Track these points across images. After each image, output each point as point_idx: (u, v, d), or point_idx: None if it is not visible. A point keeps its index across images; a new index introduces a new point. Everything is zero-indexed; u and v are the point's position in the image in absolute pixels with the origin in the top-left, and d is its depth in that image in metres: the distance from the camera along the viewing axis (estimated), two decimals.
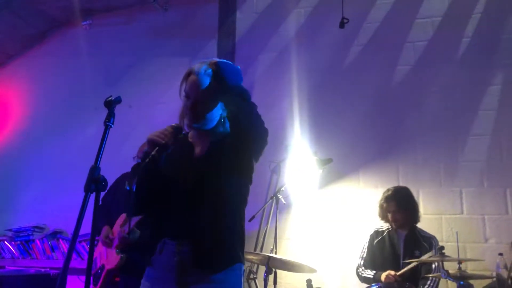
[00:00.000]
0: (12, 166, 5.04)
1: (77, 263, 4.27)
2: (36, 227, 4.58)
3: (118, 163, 3.39)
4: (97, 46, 5.11)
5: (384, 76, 4.18)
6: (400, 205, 3.30)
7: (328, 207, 4.01)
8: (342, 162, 3.97)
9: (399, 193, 3.36)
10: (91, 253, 1.52)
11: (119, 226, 3.12)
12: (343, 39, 4.29)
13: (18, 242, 4.53)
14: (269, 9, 4.64)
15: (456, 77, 4.02)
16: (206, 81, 1.74)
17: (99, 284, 3.05)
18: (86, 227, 4.38)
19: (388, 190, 3.42)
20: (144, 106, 4.76)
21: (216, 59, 1.85)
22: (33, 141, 5.05)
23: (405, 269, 3.03)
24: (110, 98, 1.63)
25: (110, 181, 3.52)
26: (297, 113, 4.14)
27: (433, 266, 3.13)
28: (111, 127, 1.60)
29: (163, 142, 1.69)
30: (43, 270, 3.85)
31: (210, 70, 1.77)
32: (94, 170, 1.44)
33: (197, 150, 1.84)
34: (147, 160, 1.65)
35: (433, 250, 3.17)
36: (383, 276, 3.06)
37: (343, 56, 4.29)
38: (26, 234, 4.53)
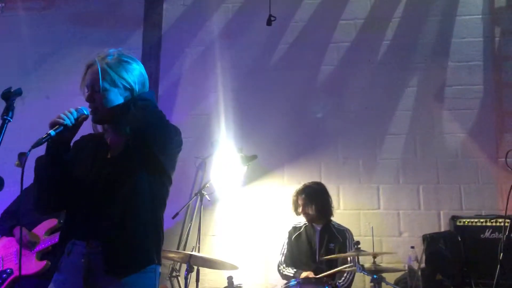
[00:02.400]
0: None
1: None
2: None
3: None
4: (9, 32, 4.75)
5: (308, 75, 4.27)
6: (309, 199, 3.41)
7: (253, 203, 4.04)
8: (267, 158, 4.01)
9: (309, 188, 3.47)
10: None
11: (43, 232, 2.93)
12: (270, 37, 4.32)
13: None
14: (197, 2, 4.57)
15: (375, 78, 4.19)
16: (105, 71, 1.69)
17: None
18: None
19: (301, 186, 3.52)
20: (62, 98, 4.50)
21: (119, 53, 1.78)
22: None
23: (324, 274, 3.09)
24: (9, 90, 1.49)
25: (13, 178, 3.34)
26: (223, 110, 4.12)
27: (349, 259, 3.25)
28: (9, 121, 1.47)
29: (63, 122, 1.62)
30: None
31: (110, 59, 1.73)
32: None
33: (112, 150, 1.77)
34: (44, 139, 1.57)
35: (347, 243, 3.30)
36: (303, 275, 3.13)
37: (270, 54, 4.33)
38: None
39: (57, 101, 4.49)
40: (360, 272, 2.78)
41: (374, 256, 2.92)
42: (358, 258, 2.81)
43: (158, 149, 1.66)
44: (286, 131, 4.13)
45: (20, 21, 4.75)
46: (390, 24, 4.28)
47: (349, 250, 3.23)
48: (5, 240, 3.11)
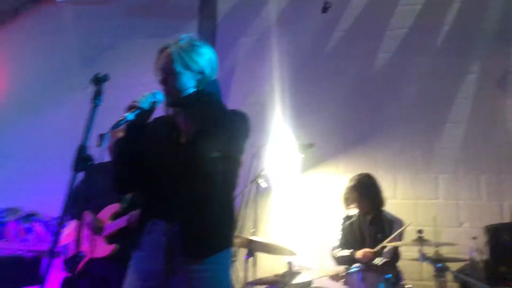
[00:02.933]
0: None
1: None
2: (9, 209, 4.46)
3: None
4: (72, 25, 4.95)
5: (365, 63, 4.21)
6: (362, 194, 3.37)
7: (307, 192, 4.05)
8: (322, 147, 3.99)
9: (359, 183, 3.42)
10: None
11: (108, 217, 3.05)
12: (325, 24, 4.29)
13: None
14: None
15: (434, 65, 4.08)
16: (178, 55, 1.74)
17: (76, 271, 2.99)
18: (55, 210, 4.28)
19: (350, 180, 3.48)
20: (121, 88, 4.65)
21: (191, 38, 1.83)
22: (6, 121, 4.89)
23: (379, 246, 3.10)
24: (99, 75, 1.57)
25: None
26: (278, 98, 4.14)
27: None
28: (99, 105, 1.55)
29: (139, 105, 1.68)
30: (19, 252, 3.77)
31: (182, 43, 1.77)
32: (82, 149, 1.40)
33: (184, 134, 1.81)
34: (122, 122, 1.64)
35: (391, 233, 3.25)
36: (360, 253, 3.14)
37: (325, 41, 4.30)
38: None
39: (116, 91, 4.64)
40: (422, 261, 2.74)
41: (437, 246, 2.87)
42: (420, 247, 2.77)
43: (224, 144, 1.70)
44: (342, 119, 4.10)
45: (81, 14, 4.94)
46: (449, 9, 4.15)
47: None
48: (75, 224, 3.26)
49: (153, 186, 1.77)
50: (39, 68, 4.95)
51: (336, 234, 3.48)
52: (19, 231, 4.36)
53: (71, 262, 3.00)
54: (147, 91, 1.80)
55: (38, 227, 4.33)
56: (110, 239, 3.02)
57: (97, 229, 3.06)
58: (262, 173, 3.73)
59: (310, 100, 4.18)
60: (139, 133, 1.77)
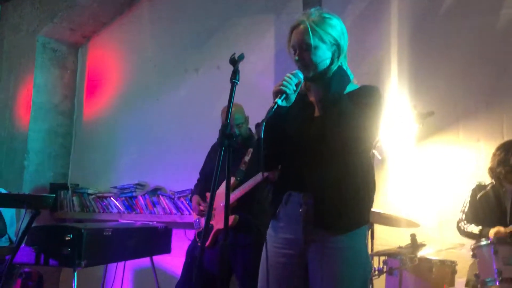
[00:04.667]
0: (112, 130, 5.38)
1: (177, 217, 4.54)
2: (138, 184, 4.90)
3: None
4: (183, 9, 5.20)
5: (487, 21, 3.85)
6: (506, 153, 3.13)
7: (425, 162, 3.88)
8: (440, 114, 3.76)
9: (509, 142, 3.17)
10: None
11: None
12: None
13: (123, 198, 4.89)
14: None
15: None
16: (313, 29, 1.77)
17: (208, 241, 3.23)
18: (184, 184, 4.62)
19: (498, 151, 3.22)
20: (231, 67, 4.80)
21: (320, 11, 1.85)
22: (129, 105, 5.33)
23: None
24: (234, 56, 1.67)
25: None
26: (393, 65, 3.98)
27: None
28: (237, 83, 1.65)
29: (287, 90, 1.71)
30: (151, 223, 4.14)
31: (314, 17, 1.80)
32: (226, 126, 1.50)
33: (318, 109, 1.85)
34: (274, 108, 1.68)
35: None
36: (492, 232, 2.91)
37: (442, 0, 4.01)
38: (129, 191, 4.87)
39: (227, 70, 4.80)
40: None
41: None
42: None
43: (356, 121, 1.71)
44: (462, 83, 3.82)
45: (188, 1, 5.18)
46: None
47: None
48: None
49: (290, 159, 1.83)
50: (155, 55, 5.29)
51: (462, 206, 3.31)
52: (147, 204, 4.78)
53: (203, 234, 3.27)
54: (289, 72, 1.83)
55: (164, 200, 4.70)
56: (231, 210, 3.19)
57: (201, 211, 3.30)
58: (378, 144, 3.64)
59: (425, 64, 3.94)
60: (285, 113, 1.82)
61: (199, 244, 3.29)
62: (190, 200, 3.69)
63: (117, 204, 4.90)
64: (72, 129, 5.66)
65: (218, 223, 3.23)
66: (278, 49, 4.57)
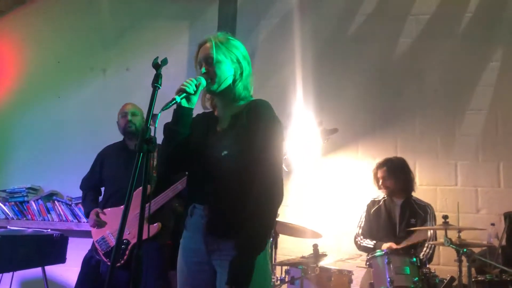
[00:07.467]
0: (5, 125, 4.93)
1: (74, 225, 4.27)
2: (31, 188, 4.53)
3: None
4: (93, 6, 4.95)
5: (386, 48, 4.21)
6: (390, 172, 3.43)
7: (328, 176, 4.10)
8: (341, 132, 3.99)
9: (390, 161, 3.49)
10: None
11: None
12: (347, 8, 4.28)
13: (12, 203, 4.48)
14: None
15: (456, 51, 4.08)
16: (218, 45, 1.89)
17: (124, 260, 3.06)
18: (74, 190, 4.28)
19: (382, 162, 3.55)
20: (141, 70, 4.67)
21: (226, 33, 1.99)
22: (26, 101, 4.92)
23: (405, 244, 3.12)
24: (157, 60, 1.64)
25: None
26: (299, 82, 4.15)
27: (429, 233, 3.27)
28: (159, 88, 1.61)
29: (186, 89, 1.78)
30: (45, 231, 3.83)
31: (220, 37, 1.93)
32: (146, 131, 1.46)
33: (221, 123, 1.94)
34: (171, 104, 1.72)
35: (428, 217, 3.31)
36: (384, 247, 3.15)
37: (347, 25, 4.29)
38: (20, 195, 4.48)
39: (136, 73, 4.67)
40: (448, 246, 2.78)
41: (460, 231, 2.91)
42: (446, 232, 2.82)
43: (251, 142, 1.80)
44: (362, 104, 4.12)
45: None
46: None
47: (430, 225, 3.24)
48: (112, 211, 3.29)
49: (194, 172, 1.92)
50: (59, 50, 4.96)
51: (359, 221, 3.53)
52: (40, 210, 4.44)
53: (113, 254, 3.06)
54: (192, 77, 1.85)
55: (60, 206, 4.40)
56: (151, 219, 3.05)
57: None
58: (284, 157, 3.76)
59: (330, 84, 4.19)
60: (186, 114, 1.86)
61: (107, 262, 3.11)
62: (87, 216, 3.38)
63: (5, 209, 4.48)
64: None
65: (135, 237, 3.08)
66: (191, 55, 4.54)
